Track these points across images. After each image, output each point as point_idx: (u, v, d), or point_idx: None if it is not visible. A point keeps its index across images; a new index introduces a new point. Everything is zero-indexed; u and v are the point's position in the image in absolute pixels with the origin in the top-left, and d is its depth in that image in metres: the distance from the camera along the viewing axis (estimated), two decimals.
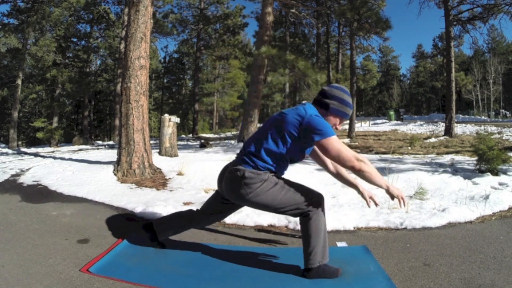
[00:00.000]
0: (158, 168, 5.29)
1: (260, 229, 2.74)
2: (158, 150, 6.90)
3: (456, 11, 12.73)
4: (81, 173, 5.03)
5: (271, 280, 1.84)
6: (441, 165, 5.91)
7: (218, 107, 31.11)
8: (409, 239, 2.48)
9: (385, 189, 1.73)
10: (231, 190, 1.81)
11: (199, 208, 2.21)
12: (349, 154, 1.64)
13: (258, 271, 1.93)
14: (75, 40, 19.78)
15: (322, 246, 1.78)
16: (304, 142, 1.76)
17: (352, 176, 1.96)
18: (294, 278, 1.84)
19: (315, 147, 1.94)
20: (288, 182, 1.87)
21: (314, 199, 1.82)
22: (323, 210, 1.83)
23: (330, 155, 1.68)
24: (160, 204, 3.29)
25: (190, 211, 2.22)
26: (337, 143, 1.66)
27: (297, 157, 1.85)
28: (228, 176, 1.83)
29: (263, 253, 2.23)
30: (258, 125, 11.43)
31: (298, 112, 1.74)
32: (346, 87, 1.88)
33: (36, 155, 8.68)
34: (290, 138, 1.74)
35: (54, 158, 7.31)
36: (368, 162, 1.66)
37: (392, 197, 1.76)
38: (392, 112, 26.90)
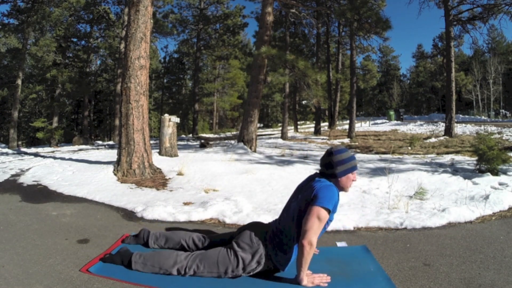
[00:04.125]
0: (158, 168, 5.29)
1: None
2: (158, 150, 6.90)
3: (456, 11, 12.73)
4: (81, 173, 5.03)
5: (270, 281, 1.84)
6: (441, 165, 5.91)
7: (218, 107, 31.09)
8: (409, 239, 2.48)
9: (300, 279, 1.78)
10: None
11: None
12: (315, 236, 1.74)
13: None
14: (75, 40, 19.76)
15: None
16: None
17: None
18: (293, 279, 1.84)
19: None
20: None
21: None
22: None
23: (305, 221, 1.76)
24: (160, 204, 3.29)
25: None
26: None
27: None
28: None
29: None
30: (258, 125, 11.41)
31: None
32: (342, 148, 1.97)
33: (36, 155, 8.68)
34: None
35: (54, 158, 7.31)
36: (311, 252, 1.74)
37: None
38: (392, 112, 26.90)
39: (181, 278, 1.87)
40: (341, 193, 1.93)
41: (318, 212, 1.74)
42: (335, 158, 1.89)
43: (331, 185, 1.86)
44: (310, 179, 1.98)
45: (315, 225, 1.73)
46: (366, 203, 3.47)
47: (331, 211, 1.79)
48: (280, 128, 17.85)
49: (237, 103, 30.03)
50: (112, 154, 6.92)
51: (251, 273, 1.87)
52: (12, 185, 4.40)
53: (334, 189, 1.84)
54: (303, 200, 1.84)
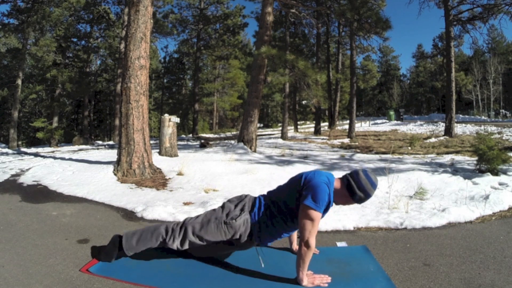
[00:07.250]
0: (158, 168, 5.29)
1: None
2: (158, 150, 6.90)
3: (456, 11, 12.71)
4: (81, 173, 5.02)
5: (270, 281, 1.85)
6: (441, 165, 5.91)
7: (218, 107, 31.09)
8: (409, 239, 2.48)
9: (299, 279, 1.79)
10: None
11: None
12: (311, 237, 1.72)
13: (257, 272, 1.93)
14: (75, 40, 19.74)
15: None
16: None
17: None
18: (293, 279, 1.84)
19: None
20: None
21: None
22: None
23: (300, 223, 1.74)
24: (160, 204, 3.29)
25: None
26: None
27: None
28: None
29: (263, 253, 2.23)
30: (258, 125, 11.39)
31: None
32: (374, 178, 1.82)
33: (36, 155, 8.67)
34: None
35: (54, 158, 7.31)
36: (308, 253, 1.73)
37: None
38: (392, 112, 26.88)
39: (181, 277, 1.87)
40: None
41: (310, 213, 1.69)
42: (368, 187, 1.77)
43: (325, 184, 1.75)
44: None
45: (309, 225, 1.70)
46: (366, 203, 3.46)
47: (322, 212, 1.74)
48: (280, 128, 17.85)
49: (237, 103, 30.01)
50: (112, 154, 6.92)
51: (234, 221, 1.85)
52: (12, 185, 4.40)
53: (327, 190, 1.74)
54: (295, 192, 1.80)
